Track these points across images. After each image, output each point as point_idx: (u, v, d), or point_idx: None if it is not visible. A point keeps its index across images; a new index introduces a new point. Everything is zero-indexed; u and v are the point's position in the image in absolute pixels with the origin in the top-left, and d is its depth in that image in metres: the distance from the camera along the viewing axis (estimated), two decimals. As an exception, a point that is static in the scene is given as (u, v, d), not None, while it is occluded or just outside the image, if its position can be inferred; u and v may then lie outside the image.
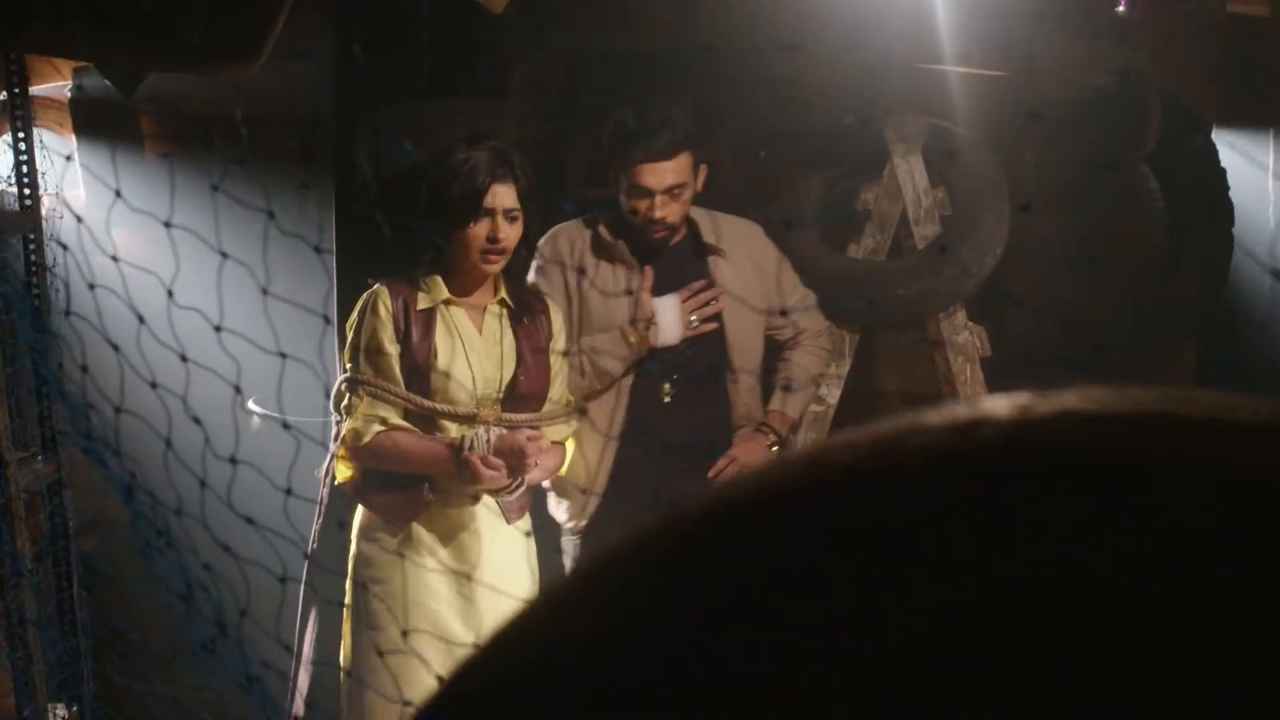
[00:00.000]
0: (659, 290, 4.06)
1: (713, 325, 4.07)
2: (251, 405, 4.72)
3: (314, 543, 3.99)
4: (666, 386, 4.07)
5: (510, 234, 3.71)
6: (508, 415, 3.77)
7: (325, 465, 3.99)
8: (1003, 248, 4.49)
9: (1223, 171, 4.95)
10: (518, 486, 3.75)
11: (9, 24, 2.18)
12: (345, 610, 3.88)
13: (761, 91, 4.68)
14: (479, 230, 3.69)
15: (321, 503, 3.99)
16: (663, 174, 3.95)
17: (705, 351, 4.11)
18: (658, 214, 3.97)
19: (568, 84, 5.01)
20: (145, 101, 4.75)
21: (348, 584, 3.89)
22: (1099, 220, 4.93)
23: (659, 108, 3.96)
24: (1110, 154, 5.08)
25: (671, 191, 3.97)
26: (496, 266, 3.74)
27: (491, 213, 3.69)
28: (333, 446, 3.93)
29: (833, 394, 4.63)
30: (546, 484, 4.10)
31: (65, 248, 3.56)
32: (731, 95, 4.78)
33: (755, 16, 4.54)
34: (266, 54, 2.39)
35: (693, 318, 4.00)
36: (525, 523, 3.92)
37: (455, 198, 3.68)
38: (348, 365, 3.80)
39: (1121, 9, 4.22)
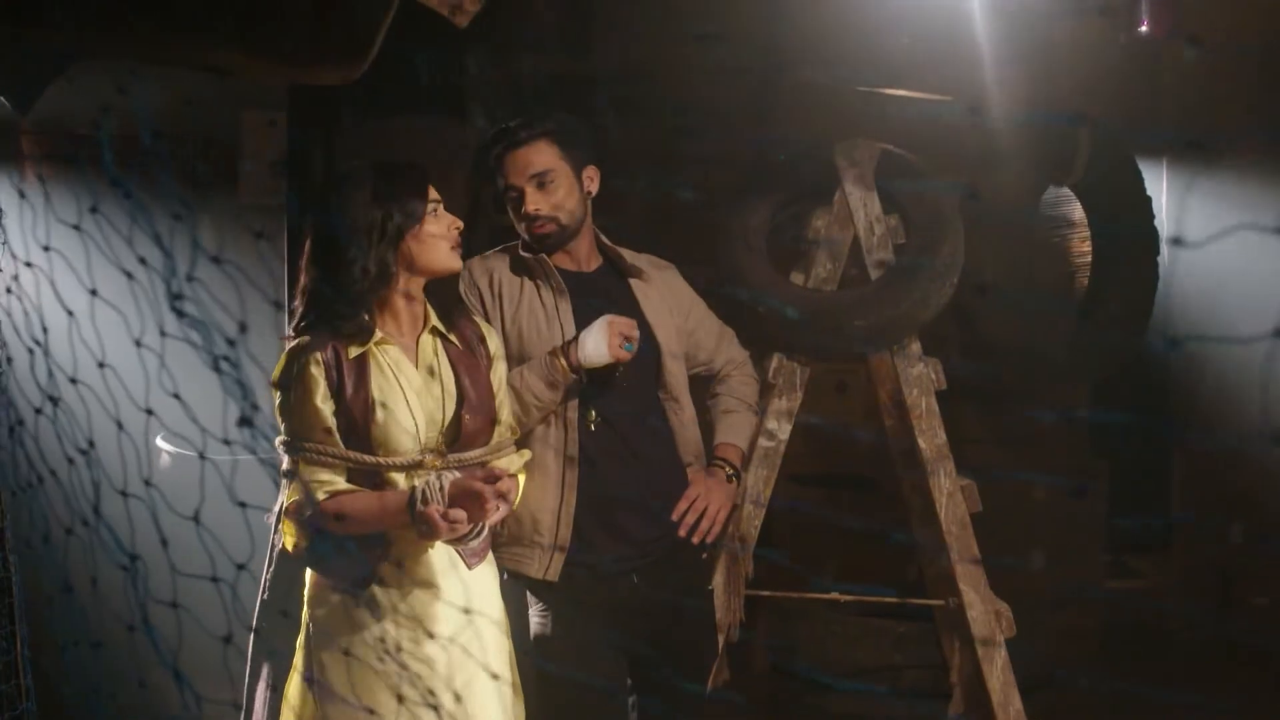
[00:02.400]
0: (583, 316, 3.82)
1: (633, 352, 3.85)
2: (160, 442, 4.35)
3: (264, 592, 3.67)
4: (593, 414, 3.83)
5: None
6: (456, 455, 3.47)
7: (276, 508, 3.66)
8: (958, 276, 4.36)
9: (1148, 199, 4.93)
10: (478, 533, 3.45)
11: (108, 26, 1.86)
12: (295, 674, 3.55)
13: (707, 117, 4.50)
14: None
15: (272, 548, 3.65)
16: (521, 162, 3.80)
17: (641, 377, 3.90)
18: (529, 207, 3.80)
19: (515, 104, 4.74)
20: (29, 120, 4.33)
21: (298, 646, 3.55)
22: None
23: (539, 117, 3.86)
24: (1041, 181, 5.04)
25: (537, 180, 3.80)
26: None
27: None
28: (281, 494, 3.60)
29: (783, 429, 4.44)
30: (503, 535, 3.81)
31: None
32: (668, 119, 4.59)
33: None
34: (372, 56, 2.10)
35: (627, 344, 3.74)
36: (489, 563, 3.63)
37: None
38: (281, 427, 3.45)
39: (1144, 29, 4.16)
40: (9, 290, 3.25)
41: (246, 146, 4.98)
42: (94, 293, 2.74)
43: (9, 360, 3.29)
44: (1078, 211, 5.61)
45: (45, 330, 2.99)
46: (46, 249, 2.91)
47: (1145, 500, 5.90)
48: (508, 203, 3.86)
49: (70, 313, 2.90)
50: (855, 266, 4.53)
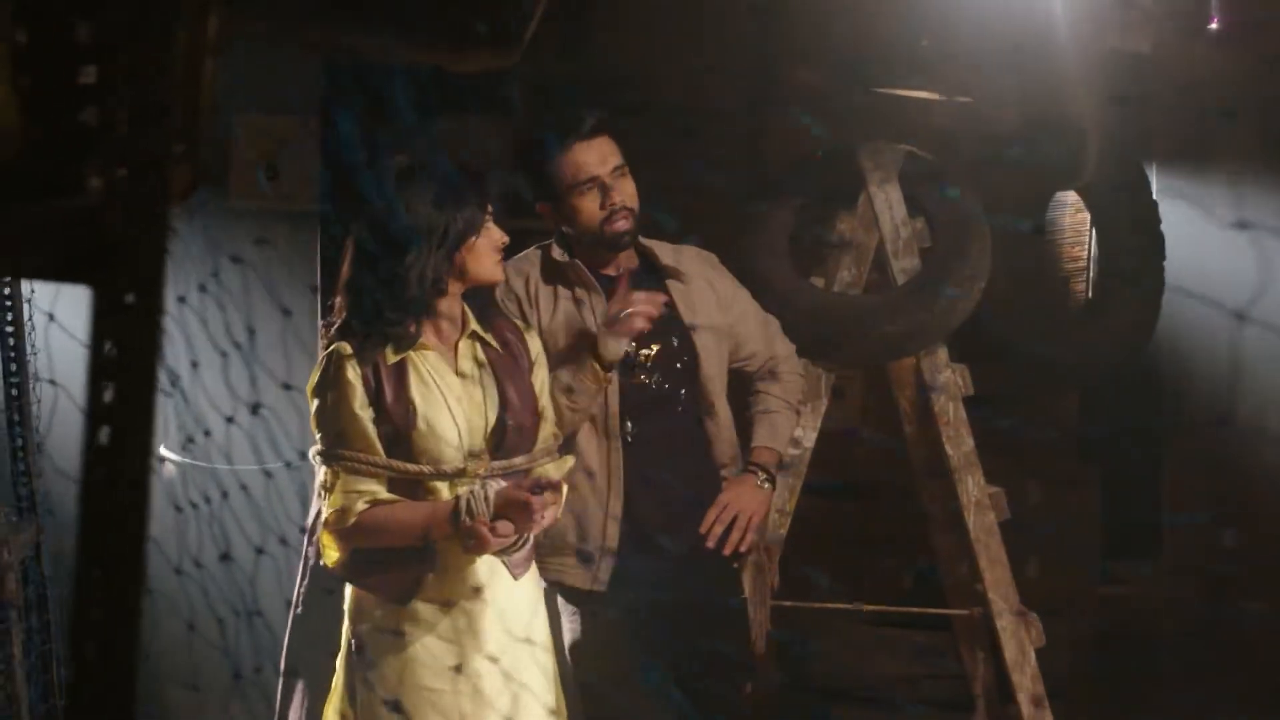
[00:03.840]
0: None
1: (656, 348, 3.73)
2: (163, 451, 4.18)
3: (297, 607, 3.53)
4: (629, 424, 3.74)
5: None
6: (500, 463, 3.35)
7: (310, 519, 3.52)
8: (986, 280, 4.30)
9: (1154, 204, 4.91)
10: (524, 543, 3.34)
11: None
12: (335, 697, 3.41)
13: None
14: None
15: (306, 561, 3.51)
16: (598, 153, 3.67)
17: (678, 385, 3.80)
18: (616, 198, 3.66)
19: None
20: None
21: (339, 664, 3.41)
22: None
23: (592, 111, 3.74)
24: (1048, 185, 5.01)
25: (616, 172, 3.68)
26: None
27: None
28: (315, 502, 3.46)
29: (809, 437, 4.36)
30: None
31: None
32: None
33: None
34: (526, 43, 1.98)
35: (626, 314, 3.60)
36: (533, 574, 3.51)
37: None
38: (317, 436, 3.32)
39: (1215, 26, 4.14)
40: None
41: (238, 148, 4.84)
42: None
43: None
44: (1067, 217, 5.60)
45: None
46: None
47: (1136, 505, 5.88)
48: (572, 197, 3.68)
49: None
50: (875, 271, 4.46)
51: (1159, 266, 4.93)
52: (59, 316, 3.16)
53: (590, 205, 3.67)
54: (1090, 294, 5.72)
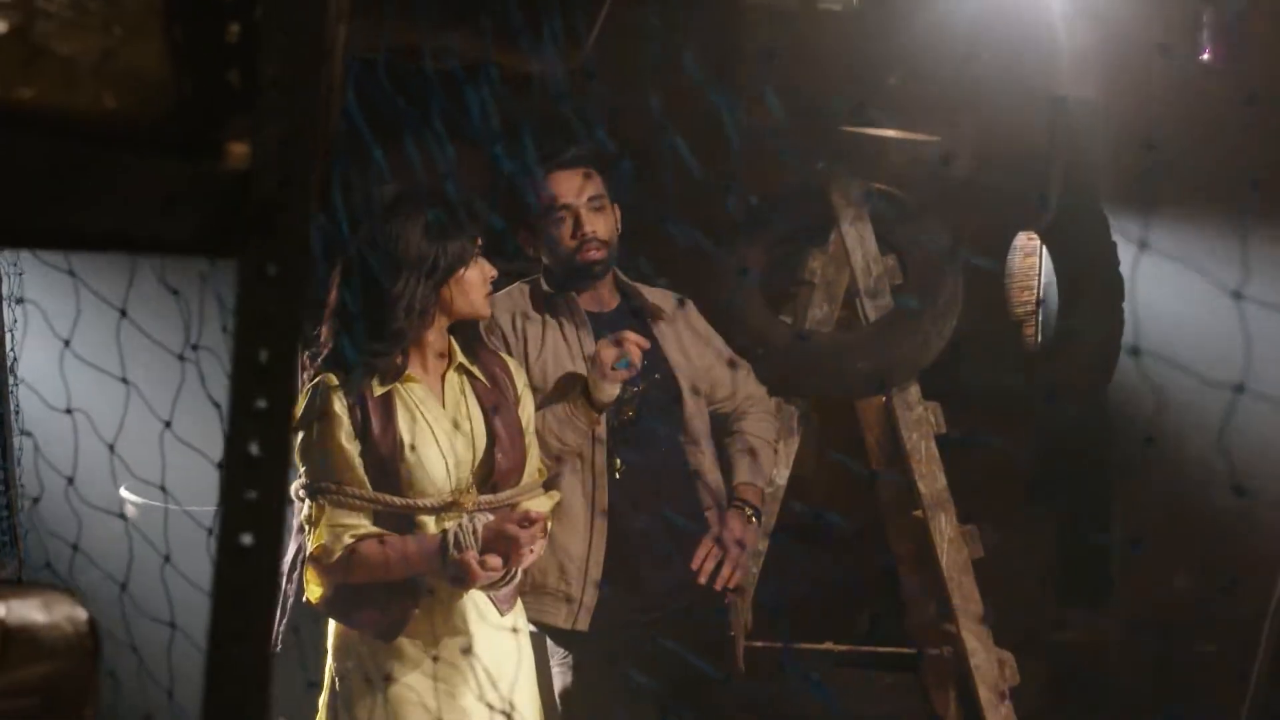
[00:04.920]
0: None
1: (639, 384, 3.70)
2: (124, 493, 4.07)
3: (275, 646, 3.42)
4: (618, 461, 3.71)
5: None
6: (487, 498, 3.29)
7: (288, 557, 3.43)
8: (958, 317, 4.30)
9: (1113, 245, 4.94)
10: (512, 577, 3.28)
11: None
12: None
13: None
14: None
15: (285, 600, 3.42)
16: (575, 182, 3.69)
17: (661, 421, 3.77)
18: (588, 227, 3.68)
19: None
20: None
21: (321, 704, 3.33)
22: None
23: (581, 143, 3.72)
24: (1010, 225, 5.04)
25: (592, 203, 3.69)
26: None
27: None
28: (294, 539, 3.38)
29: (781, 474, 4.32)
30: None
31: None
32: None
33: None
34: (592, 41, 1.95)
35: (618, 362, 3.58)
36: (519, 611, 3.45)
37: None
38: (300, 470, 3.24)
39: (1206, 57, 4.18)
40: None
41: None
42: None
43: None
44: (1017, 262, 5.63)
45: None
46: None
47: (1087, 548, 5.90)
48: (547, 224, 3.70)
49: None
50: (845, 308, 4.45)
51: (1119, 307, 4.96)
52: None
53: (562, 233, 3.69)
54: (1039, 338, 5.76)
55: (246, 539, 1.17)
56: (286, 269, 1.13)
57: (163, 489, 2.57)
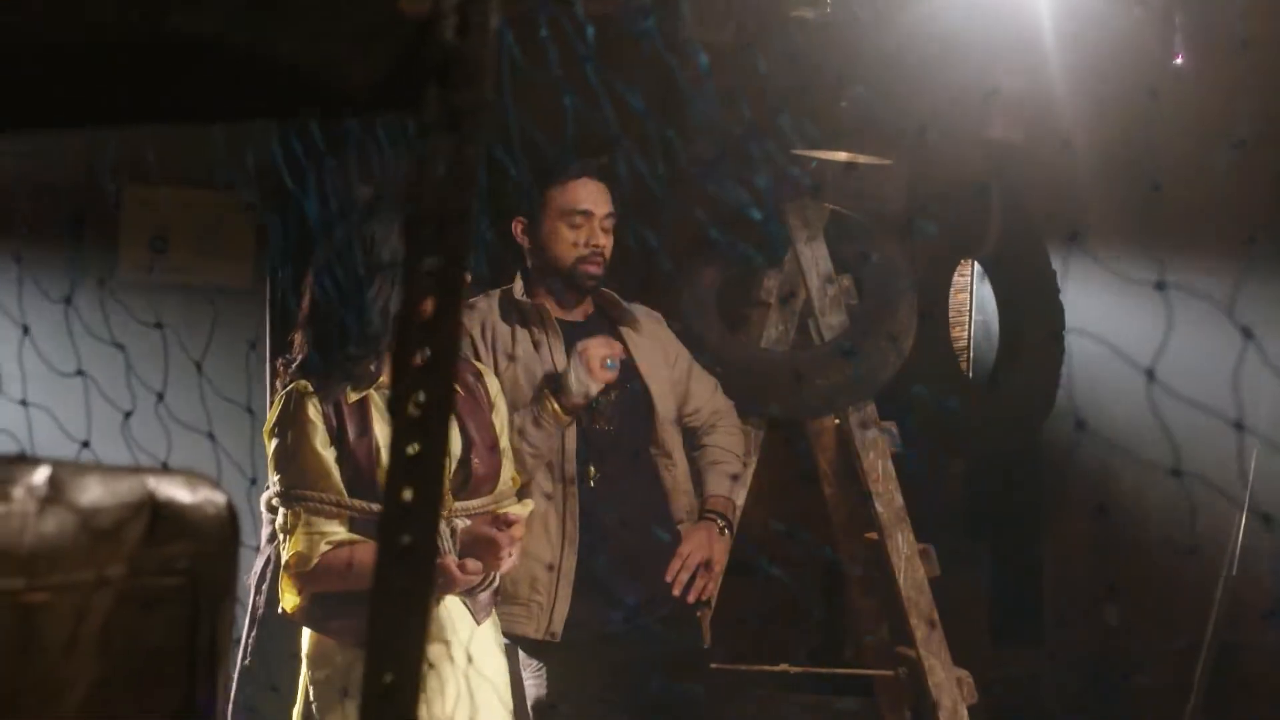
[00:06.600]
0: None
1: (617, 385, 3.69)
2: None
3: (245, 658, 3.42)
4: (592, 469, 3.69)
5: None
6: (461, 504, 3.25)
7: (256, 569, 3.36)
8: (913, 337, 4.33)
9: (1054, 274, 5.01)
10: (490, 582, 3.24)
11: None
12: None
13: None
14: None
15: (255, 611, 3.34)
16: (599, 195, 3.70)
17: (634, 431, 3.78)
18: (599, 240, 3.69)
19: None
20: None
21: (296, 715, 3.26)
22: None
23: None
24: (951, 254, 5.08)
25: (607, 219, 3.71)
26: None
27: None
28: (263, 549, 3.31)
29: (739, 494, 4.29)
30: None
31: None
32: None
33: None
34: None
35: (608, 361, 3.58)
36: (494, 620, 3.40)
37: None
38: (276, 477, 3.19)
39: (1179, 61, 4.24)
40: None
41: (126, 222, 4.70)
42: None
43: None
44: (950, 297, 5.68)
45: None
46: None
47: (1021, 586, 5.93)
48: (560, 222, 3.69)
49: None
50: (800, 329, 4.46)
51: (1059, 336, 5.02)
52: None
53: (572, 236, 3.67)
54: (971, 373, 5.81)
55: (405, 539, 1.17)
56: (467, 120, 1.10)
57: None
